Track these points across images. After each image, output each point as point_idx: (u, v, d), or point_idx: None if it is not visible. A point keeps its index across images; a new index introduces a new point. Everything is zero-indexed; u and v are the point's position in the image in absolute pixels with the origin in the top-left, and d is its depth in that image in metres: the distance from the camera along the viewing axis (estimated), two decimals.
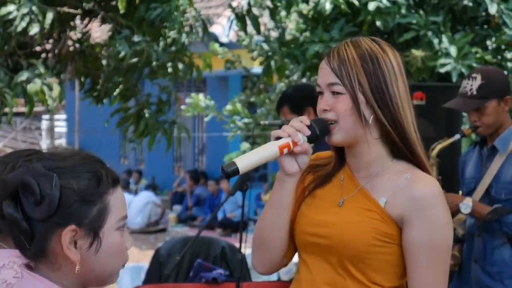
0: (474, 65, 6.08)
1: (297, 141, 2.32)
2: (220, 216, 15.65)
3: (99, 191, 1.79)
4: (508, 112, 4.17)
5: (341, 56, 2.35)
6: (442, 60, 6.08)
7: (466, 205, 4.02)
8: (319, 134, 2.35)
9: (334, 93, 2.35)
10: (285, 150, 2.32)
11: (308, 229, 2.42)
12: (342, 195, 2.40)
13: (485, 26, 6.79)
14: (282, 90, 11.50)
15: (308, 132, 2.34)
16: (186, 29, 6.52)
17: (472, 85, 4.06)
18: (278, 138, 2.33)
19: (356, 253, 2.33)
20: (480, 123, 4.07)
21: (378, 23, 6.22)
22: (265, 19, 9.10)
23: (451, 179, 4.39)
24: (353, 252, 2.33)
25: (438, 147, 4.27)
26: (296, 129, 2.33)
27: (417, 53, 6.14)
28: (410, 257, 2.32)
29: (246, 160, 2.28)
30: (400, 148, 2.36)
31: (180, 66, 6.58)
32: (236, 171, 2.26)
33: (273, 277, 7.47)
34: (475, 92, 4.04)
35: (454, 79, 6.08)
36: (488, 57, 6.22)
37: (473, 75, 4.11)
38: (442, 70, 6.12)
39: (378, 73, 2.34)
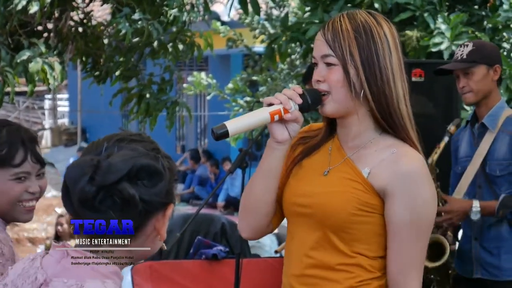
0: None
1: (288, 108, 2.35)
2: (223, 196, 15.70)
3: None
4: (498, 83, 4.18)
5: (335, 28, 2.36)
6: (435, 40, 6.09)
7: (475, 212, 4.04)
8: (311, 104, 2.38)
9: (328, 64, 2.36)
10: (276, 117, 2.34)
11: (294, 199, 2.44)
12: (329, 165, 2.42)
13: (483, 7, 6.79)
14: (284, 69, 11.54)
15: (300, 101, 2.36)
16: (187, 7, 6.51)
17: (463, 51, 4.10)
18: (271, 104, 2.36)
19: (338, 223, 2.34)
20: (468, 88, 4.09)
21: (376, 4, 6.23)
22: None
23: (445, 180, 4.34)
24: (334, 221, 2.34)
25: (435, 157, 4.22)
26: (288, 97, 2.36)
27: (412, 33, 6.15)
28: (391, 230, 2.33)
29: (236, 123, 2.32)
30: (386, 122, 2.36)
31: (181, 46, 6.57)
32: (226, 133, 2.30)
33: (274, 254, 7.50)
34: (465, 56, 4.09)
35: (445, 58, 6.08)
36: (484, 37, 6.22)
37: (466, 43, 4.16)
38: (435, 50, 6.12)
39: (371, 46, 2.34)
